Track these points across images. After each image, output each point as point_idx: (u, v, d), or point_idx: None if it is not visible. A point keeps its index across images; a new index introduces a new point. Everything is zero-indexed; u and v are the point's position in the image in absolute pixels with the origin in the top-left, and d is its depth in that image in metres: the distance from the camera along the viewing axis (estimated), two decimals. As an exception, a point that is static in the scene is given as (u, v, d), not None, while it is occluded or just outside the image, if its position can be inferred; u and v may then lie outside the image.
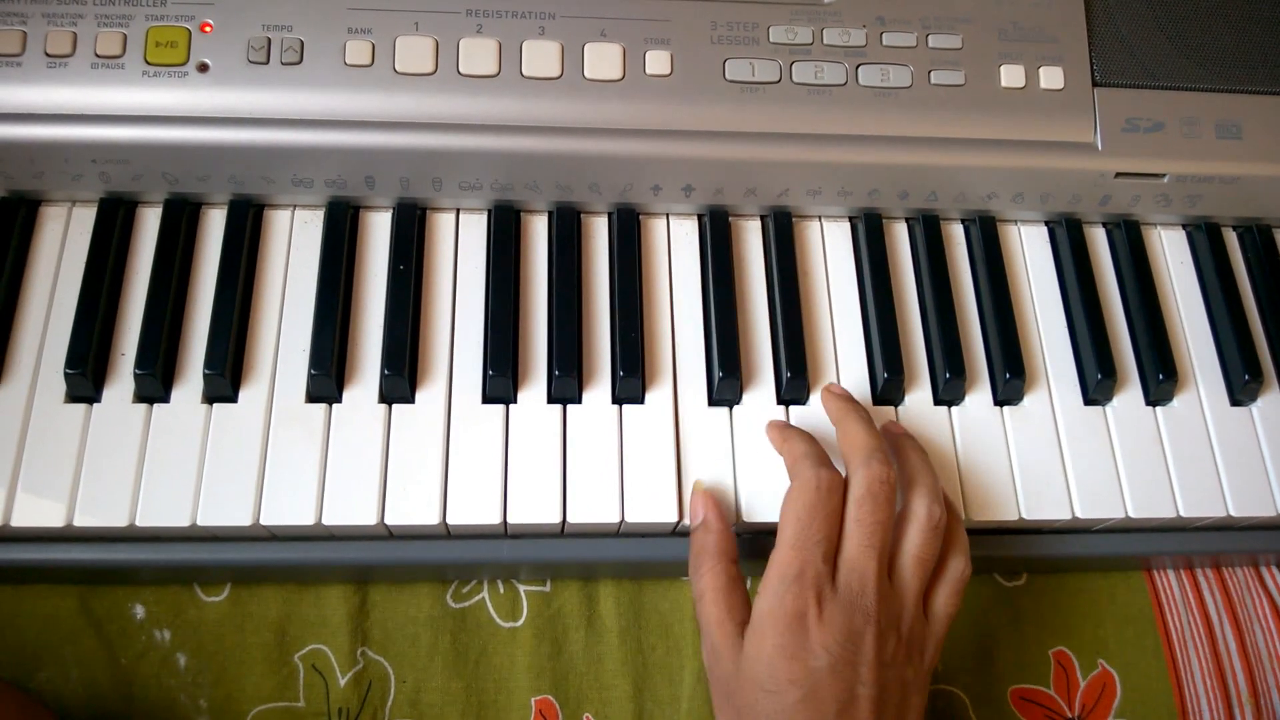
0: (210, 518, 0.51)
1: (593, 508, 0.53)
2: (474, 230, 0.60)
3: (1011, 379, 0.58)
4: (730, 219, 0.61)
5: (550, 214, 0.61)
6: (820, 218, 0.62)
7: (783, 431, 0.54)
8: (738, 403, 0.57)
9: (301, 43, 0.56)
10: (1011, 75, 0.59)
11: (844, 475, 0.51)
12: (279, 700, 0.56)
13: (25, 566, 0.54)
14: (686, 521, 0.54)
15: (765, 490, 0.54)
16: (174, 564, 0.54)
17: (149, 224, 0.58)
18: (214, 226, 0.58)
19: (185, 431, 0.53)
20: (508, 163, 0.57)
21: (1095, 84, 0.60)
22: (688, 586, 0.60)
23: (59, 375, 0.53)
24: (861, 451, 0.51)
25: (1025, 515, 0.56)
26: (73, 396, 0.54)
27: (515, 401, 0.55)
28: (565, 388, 0.55)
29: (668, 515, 0.53)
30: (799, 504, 0.49)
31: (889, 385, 0.57)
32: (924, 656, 0.49)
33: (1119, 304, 0.62)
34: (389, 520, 0.52)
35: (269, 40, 0.56)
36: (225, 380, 0.53)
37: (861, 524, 0.48)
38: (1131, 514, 0.56)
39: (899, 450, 0.54)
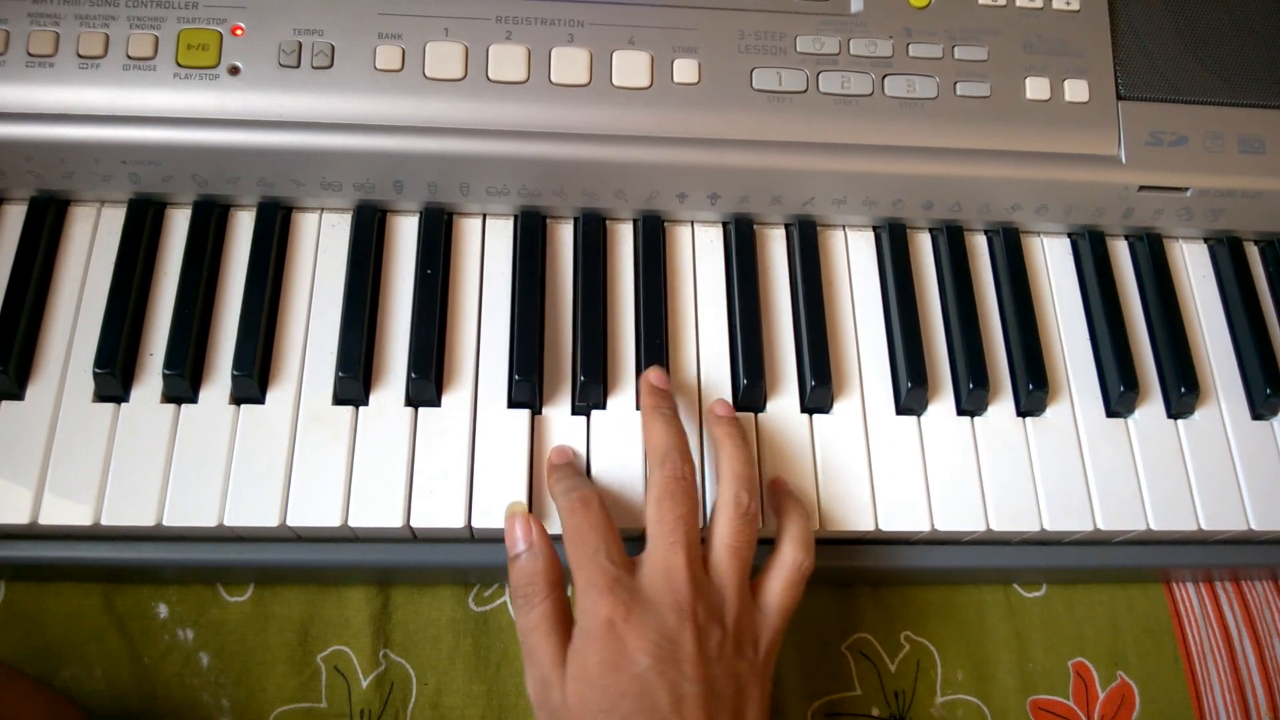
0: (237, 518, 0.52)
1: (618, 515, 0.53)
2: (500, 236, 0.60)
3: (1035, 390, 0.58)
4: (755, 227, 0.61)
5: (576, 220, 0.61)
6: (844, 227, 0.63)
7: (549, 475, 0.53)
8: (762, 410, 0.57)
9: (332, 47, 0.56)
10: (1037, 88, 0.59)
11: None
12: (301, 701, 0.56)
13: (50, 564, 0.54)
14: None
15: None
16: (198, 564, 0.54)
17: (178, 225, 0.58)
18: (243, 228, 0.59)
19: (212, 432, 0.53)
20: (535, 168, 0.57)
21: (1119, 97, 0.60)
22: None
23: (87, 374, 0.54)
24: (657, 452, 0.50)
25: (1047, 526, 0.56)
26: (101, 396, 0.54)
27: (540, 407, 0.56)
28: (591, 393, 0.55)
29: (693, 522, 0.54)
30: (570, 528, 0.49)
31: (912, 395, 0.57)
32: (758, 649, 0.48)
33: (1141, 316, 0.63)
34: (414, 523, 0.52)
35: (300, 44, 0.56)
36: (253, 381, 0.54)
37: (661, 522, 0.48)
38: (1153, 526, 0.56)
39: (715, 441, 0.53)
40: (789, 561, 0.50)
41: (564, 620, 0.48)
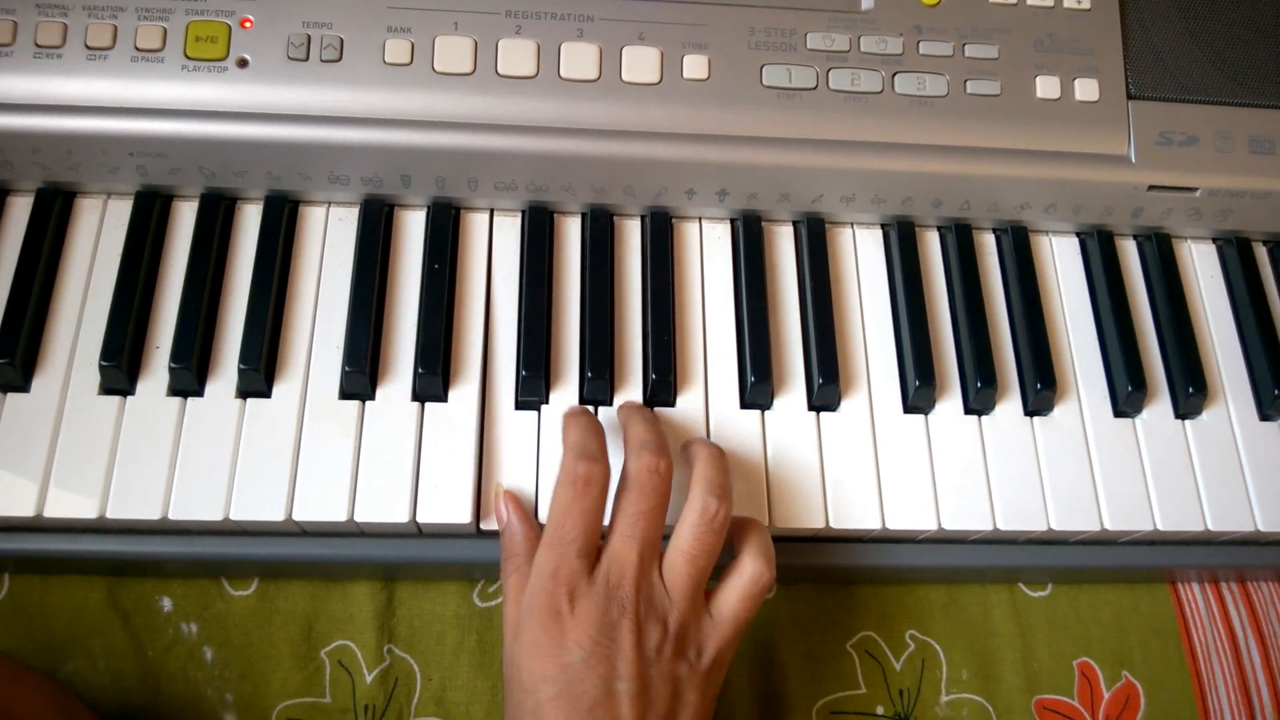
0: (242, 512, 0.51)
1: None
2: (508, 231, 0.60)
3: (1043, 389, 0.58)
4: (763, 224, 0.61)
5: (584, 215, 0.61)
6: (853, 224, 0.62)
7: (565, 424, 0.52)
8: (769, 408, 0.57)
9: (341, 40, 0.56)
10: (1047, 86, 0.59)
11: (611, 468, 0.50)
12: (305, 696, 0.56)
13: (55, 558, 0.54)
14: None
15: (795, 493, 0.55)
16: (203, 557, 0.54)
17: (185, 218, 0.58)
18: (250, 221, 0.58)
19: (218, 425, 0.53)
20: (544, 164, 0.57)
21: (1130, 97, 0.60)
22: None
23: (93, 367, 0.54)
24: (634, 443, 0.50)
25: (1054, 526, 0.56)
26: (107, 389, 0.54)
27: (548, 402, 0.55)
28: (598, 390, 0.55)
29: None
30: (556, 501, 0.48)
31: (920, 394, 0.57)
32: (701, 656, 0.47)
33: (1149, 316, 0.63)
34: (420, 518, 0.52)
35: (309, 37, 0.56)
36: (259, 375, 0.54)
37: (625, 514, 0.48)
38: (1160, 527, 0.56)
39: (691, 450, 0.52)
40: (749, 572, 0.49)
41: None
